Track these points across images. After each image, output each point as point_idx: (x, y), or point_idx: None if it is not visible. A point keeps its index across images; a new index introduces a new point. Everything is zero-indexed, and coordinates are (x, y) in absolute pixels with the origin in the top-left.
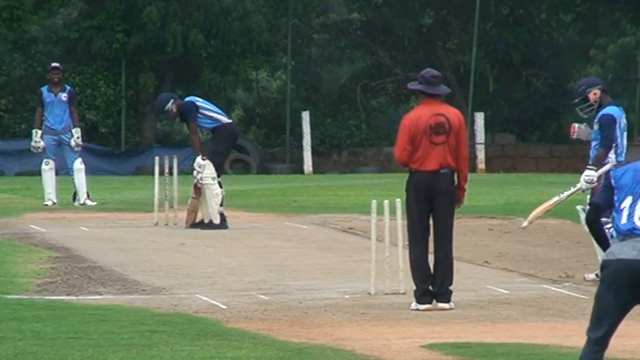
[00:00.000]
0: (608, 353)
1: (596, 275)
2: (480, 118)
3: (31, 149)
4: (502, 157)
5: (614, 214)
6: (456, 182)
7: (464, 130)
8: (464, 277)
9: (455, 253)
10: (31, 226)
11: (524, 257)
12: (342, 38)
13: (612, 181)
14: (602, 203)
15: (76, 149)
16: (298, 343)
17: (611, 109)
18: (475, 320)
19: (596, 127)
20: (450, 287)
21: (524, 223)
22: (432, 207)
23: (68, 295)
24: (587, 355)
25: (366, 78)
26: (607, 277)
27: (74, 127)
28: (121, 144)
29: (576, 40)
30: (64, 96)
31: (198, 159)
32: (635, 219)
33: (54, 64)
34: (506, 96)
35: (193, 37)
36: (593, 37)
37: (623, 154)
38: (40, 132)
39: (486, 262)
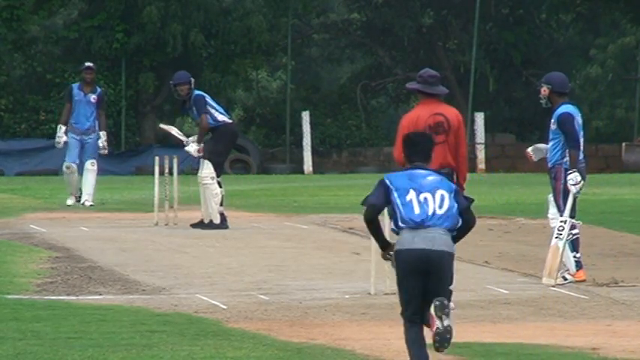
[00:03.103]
0: (607, 353)
1: (564, 278)
2: (480, 118)
3: (55, 144)
4: (502, 157)
5: (397, 208)
6: (455, 181)
7: (463, 129)
8: (464, 277)
9: (455, 253)
10: (31, 226)
11: (524, 257)
12: (342, 38)
13: (388, 183)
14: (378, 202)
15: (102, 152)
16: (298, 343)
17: (566, 107)
18: (475, 320)
19: (554, 126)
20: (450, 287)
21: (552, 281)
22: None
23: (68, 295)
24: (410, 333)
25: (366, 78)
26: (403, 265)
27: (101, 129)
28: (121, 144)
29: (576, 40)
30: (93, 97)
31: (194, 146)
32: (425, 208)
33: (87, 64)
34: (506, 96)
35: (193, 37)
36: (593, 37)
37: (581, 154)
38: (64, 128)
39: (486, 262)
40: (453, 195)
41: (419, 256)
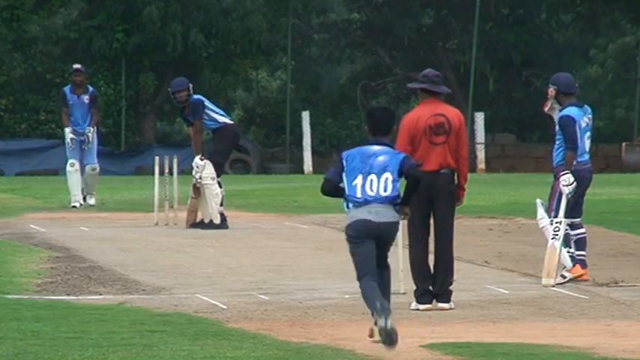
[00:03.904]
0: (607, 353)
1: (563, 276)
2: (480, 118)
3: (68, 145)
4: (502, 157)
5: (345, 189)
6: (456, 182)
7: (464, 130)
8: (464, 277)
9: (455, 253)
10: (31, 226)
11: (524, 257)
12: (342, 38)
13: (344, 163)
14: (334, 178)
15: (84, 146)
16: (298, 343)
17: (569, 110)
18: (475, 320)
19: (557, 127)
20: (450, 287)
21: (551, 281)
22: (432, 207)
23: (68, 295)
24: (369, 288)
25: (366, 78)
26: (353, 235)
27: (91, 125)
28: (121, 144)
29: (576, 40)
30: (86, 98)
31: (197, 159)
32: (367, 191)
33: (76, 66)
34: (506, 96)
35: (193, 37)
36: (593, 37)
37: (586, 155)
38: (69, 129)
39: (486, 262)
40: (399, 166)
41: (366, 225)
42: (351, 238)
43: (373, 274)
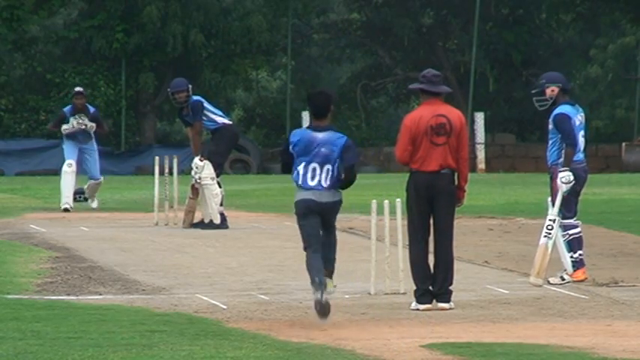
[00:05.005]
0: (607, 353)
1: (562, 278)
2: (479, 118)
3: (79, 126)
4: (502, 157)
5: (294, 171)
6: (456, 182)
7: (465, 131)
8: (464, 277)
9: (455, 253)
10: (31, 226)
11: (524, 257)
12: (342, 38)
13: (290, 148)
14: (288, 160)
15: (89, 127)
16: (298, 343)
17: (563, 108)
18: (475, 320)
19: (550, 126)
20: (450, 287)
21: (540, 281)
22: (432, 207)
23: (68, 295)
24: (313, 259)
25: (366, 78)
26: (300, 213)
27: (99, 130)
28: (121, 144)
29: (576, 40)
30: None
31: (196, 160)
32: (308, 181)
33: (77, 89)
34: (506, 96)
35: (193, 37)
36: (593, 37)
37: (581, 154)
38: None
39: (486, 262)
40: (340, 154)
41: (311, 203)
42: (297, 213)
43: (317, 249)
